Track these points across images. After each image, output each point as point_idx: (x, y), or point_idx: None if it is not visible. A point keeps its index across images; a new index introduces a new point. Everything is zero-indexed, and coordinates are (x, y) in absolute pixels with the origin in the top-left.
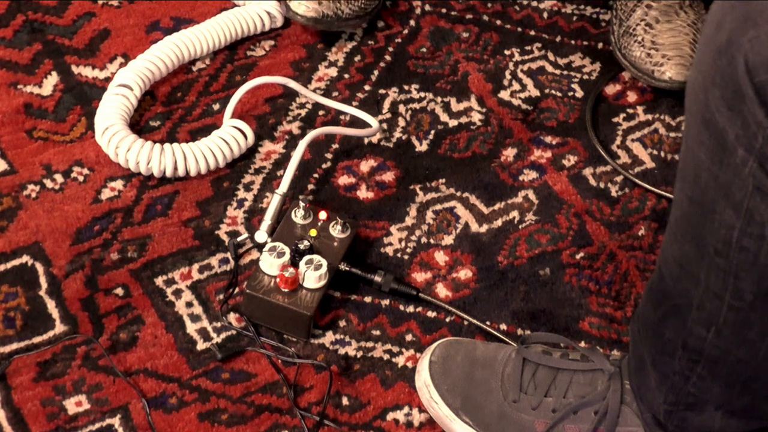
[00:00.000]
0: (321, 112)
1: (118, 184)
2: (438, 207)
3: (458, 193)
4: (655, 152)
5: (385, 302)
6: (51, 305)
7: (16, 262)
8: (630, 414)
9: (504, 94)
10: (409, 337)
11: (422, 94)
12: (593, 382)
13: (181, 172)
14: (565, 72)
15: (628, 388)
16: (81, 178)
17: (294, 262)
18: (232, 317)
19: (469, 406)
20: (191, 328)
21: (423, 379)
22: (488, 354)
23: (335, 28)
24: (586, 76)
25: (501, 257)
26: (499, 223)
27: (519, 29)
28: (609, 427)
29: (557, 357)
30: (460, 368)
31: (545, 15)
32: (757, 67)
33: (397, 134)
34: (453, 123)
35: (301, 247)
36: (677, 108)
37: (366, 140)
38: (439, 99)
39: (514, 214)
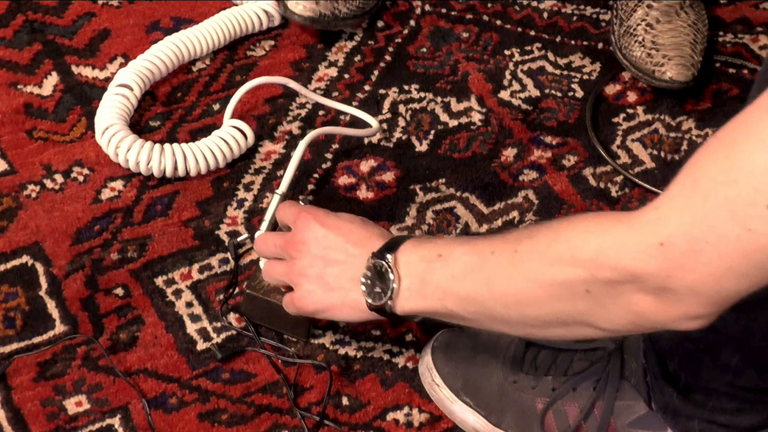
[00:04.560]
0: (321, 112)
1: (118, 184)
2: (438, 207)
3: (458, 193)
4: (655, 152)
5: None
6: (51, 305)
7: (16, 262)
8: (629, 388)
9: (504, 94)
10: (409, 337)
11: (422, 94)
12: (593, 360)
13: (181, 172)
14: (565, 72)
15: (627, 364)
16: (81, 178)
17: None
18: (232, 317)
19: (469, 387)
20: (191, 328)
21: (425, 363)
22: (491, 339)
23: (332, 28)
24: (586, 76)
25: None
26: (499, 223)
27: (519, 29)
28: (608, 401)
29: None
30: (462, 352)
31: (545, 15)
32: None
33: (397, 134)
34: (453, 123)
35: None
36: (677, 108)
37: (366, 140)
38: (439, 99)
39: (514, 214)
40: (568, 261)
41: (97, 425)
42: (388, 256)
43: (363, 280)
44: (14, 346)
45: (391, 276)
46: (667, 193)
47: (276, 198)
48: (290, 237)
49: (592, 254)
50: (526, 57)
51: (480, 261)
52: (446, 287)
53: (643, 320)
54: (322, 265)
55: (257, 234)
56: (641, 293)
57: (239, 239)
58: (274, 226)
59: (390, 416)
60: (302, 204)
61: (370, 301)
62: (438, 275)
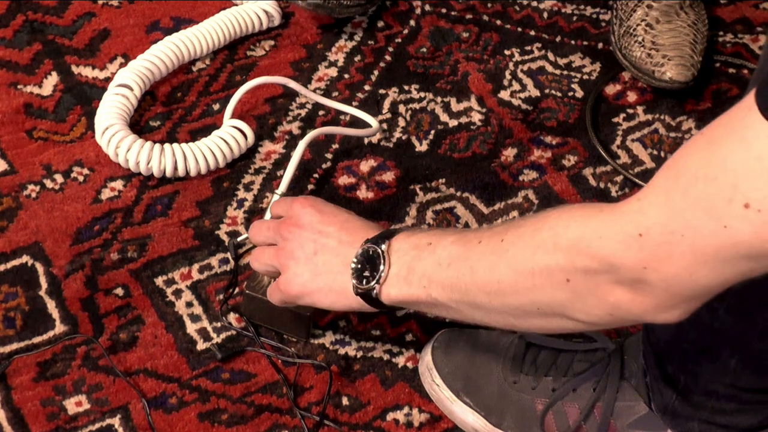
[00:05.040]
0: (321, 112)
1: (118, 184)
2: (438, 207)
3: (458, 193)
4: (655, 152)
5: None
6: (51, 305)
7: (16, 262)
8: (629, 389)
9: (504, 94)
10: (409, 337)
11: (422, 94)
12: (594, 361)
13: (181, 172)
14: (565, 72)
15: (627, 364)
16: (81, 178)
17: None
18: (232, 317)
19: (470, 387)
20: (191, 328)
21: (425, 363)
22: (491, 339)
23: (337, 15)
24: (586, 76)
25: None
26: (499, 222)
27: (519, 29)
28: (608, 402)
29: (561, 338)
30: (463, 352)
31: (545, 15)
32: None
33: (397, 134)
34: (453, 123)
35: None
36: (677, 108)
37: (366, 140)
38: (439, 99)
39: (514, 214)
40: (550, 248)
41: (97, 425)
42: (383, 243)
43: (353, 262)
44: (14, 346)
45: (382, 261)
46: (650, 185)
47: (276, 198)
48: (285, 219)
49: (572, 241)
50: (526, 57)
51: (466, 249)
52: (431, 274)
53: (619, 312)
54: (312, 248)
55: None
56: (618, 284)
57: (239, 239)
58: None
59: (390, 416)
60: None
61: (356, 283)
62: (425, 262)
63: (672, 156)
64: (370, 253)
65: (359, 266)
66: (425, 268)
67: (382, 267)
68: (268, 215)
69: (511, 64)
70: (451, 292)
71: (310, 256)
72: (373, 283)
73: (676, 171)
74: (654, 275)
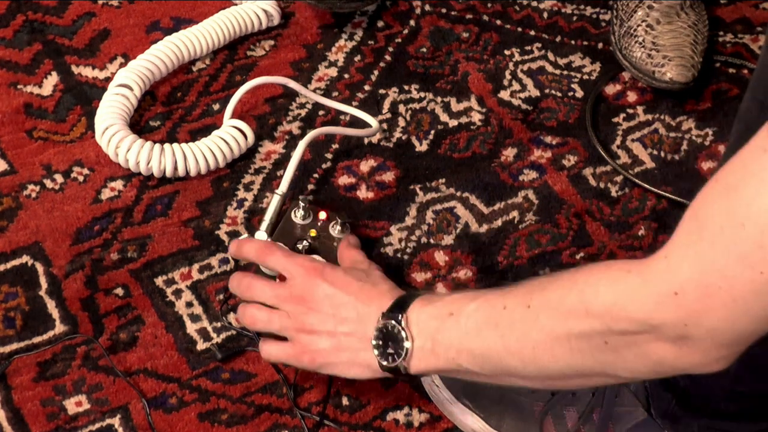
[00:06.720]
0: (321, 112)
1: (118, 184)
2: (438, 207)
3: (458, 193)
4: (655, 152)
5: None
6: (51, 305)
7: (16, 262)
8: (628, 394)
9: (504, 94)
10: None
11: (422, 94)
12: None
13: (181, 172)
14: (565, 72)
15: None
16: (81, 178)
17: None
18: (232, 317)
19: (469, 389)
20: (191, 328)
21: None
22: None
23: (337, 9)
24: (586, 76)
25: (501, 257)
26: (499, 223)
27: (519, 29)
28: (606, 407)
29: None
30: None
31: (545, 15)
32: None
33: (397, 134)
34: (453, 123)
35: (300, 248)
36: (677, 108)
37: (366, 140)
38: (439, 99)
39: (514, 214)
40: (582, 314)
41: (97, 425)
42: (399, 315)
43: (374, 342)
44: (14, 346)
45: (404, 336)
46: (674, 240)
47: (276, 198)
48: (294, 291)
49: (606, 306)
50: (526, 57)
51: (492, 317)
52: (459, 345)
53: (664, 367)
54: (333, 323)
55: (257, 234)
56: (660, 342)
57: (239, 239)
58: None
59: (390, 416)
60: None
61: (384, 363)
62: (450, 333)
63: (690, 206)
64: (389, 328)
65: (380, 343)
66: (451, 339)
67: (406, 344)
68: (268, 216)
69: (511, 64)
70: (482, 361)
71: (331, 330)
72: (399, 361)
73: (699, 222)
74: (696, 330)
